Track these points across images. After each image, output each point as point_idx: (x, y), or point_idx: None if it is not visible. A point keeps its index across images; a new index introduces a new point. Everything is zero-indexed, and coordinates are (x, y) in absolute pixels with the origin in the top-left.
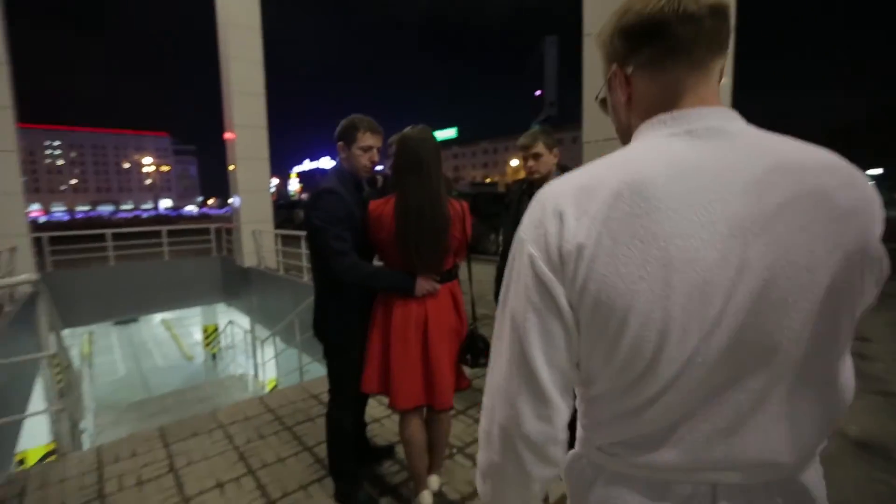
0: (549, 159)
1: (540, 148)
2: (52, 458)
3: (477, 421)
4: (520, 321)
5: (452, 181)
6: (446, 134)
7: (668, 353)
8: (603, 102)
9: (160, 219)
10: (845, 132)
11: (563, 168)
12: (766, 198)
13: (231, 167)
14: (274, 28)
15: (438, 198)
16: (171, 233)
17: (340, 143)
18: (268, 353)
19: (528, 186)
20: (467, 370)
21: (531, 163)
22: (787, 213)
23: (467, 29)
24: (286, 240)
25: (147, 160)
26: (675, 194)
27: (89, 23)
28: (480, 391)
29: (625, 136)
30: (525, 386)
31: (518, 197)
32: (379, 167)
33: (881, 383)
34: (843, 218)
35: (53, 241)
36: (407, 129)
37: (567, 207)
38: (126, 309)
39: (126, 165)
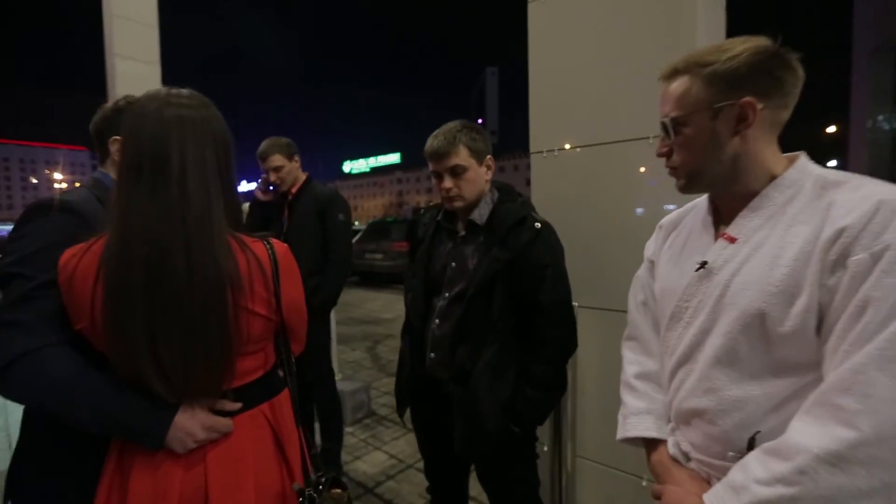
0: (479, 175)
1: (463, 157)
2: None
3: None
4: None
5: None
6: (390, 159)
7: None
8: (675, 122)
9: None
10: None
11: (502, 189)
12: None
13: None
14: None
15: (204, 232)
16: None
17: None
18: None
19: (446, 218)
20: None
21: (448, 183)
22: None
23: (410, 54)
24: None
25: (59, 175)
26: None
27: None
28: None
29: (721, 164)
30: None
31: (432, 232)
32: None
33: None
34: None
35: None
36: (148, 93)
37: None
38: None
39: (34, 181)
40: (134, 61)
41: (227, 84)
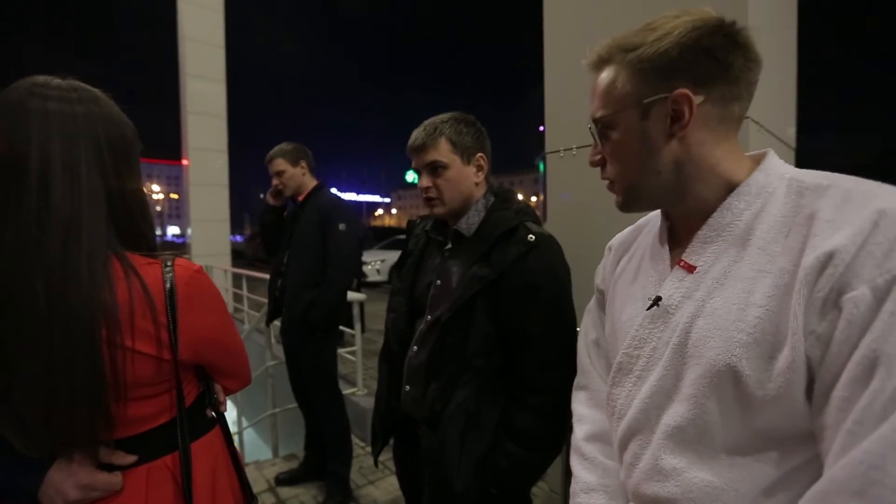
0: (463, 175)
1: (443, 153)
2: None
3: None
4: None
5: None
6: None
7: None
8: (601, 124)
9: (165, 245)
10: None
11: (499, 194)
12: None
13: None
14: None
15: (69, 253)
16: None
17: None
18: None
19: (436, 228)
20: None
21: (426, 181)
22: None
23: (463, 60)
24: (240, 277)
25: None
26: None
27: (99, 52)
28: None
29: (660, 175)
30: None
31: (422, 244)
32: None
33: None
34: None
35: None
36: (14, 83)
37: None
38: None
39: None
40: (204, 80)
41: (285, 95)
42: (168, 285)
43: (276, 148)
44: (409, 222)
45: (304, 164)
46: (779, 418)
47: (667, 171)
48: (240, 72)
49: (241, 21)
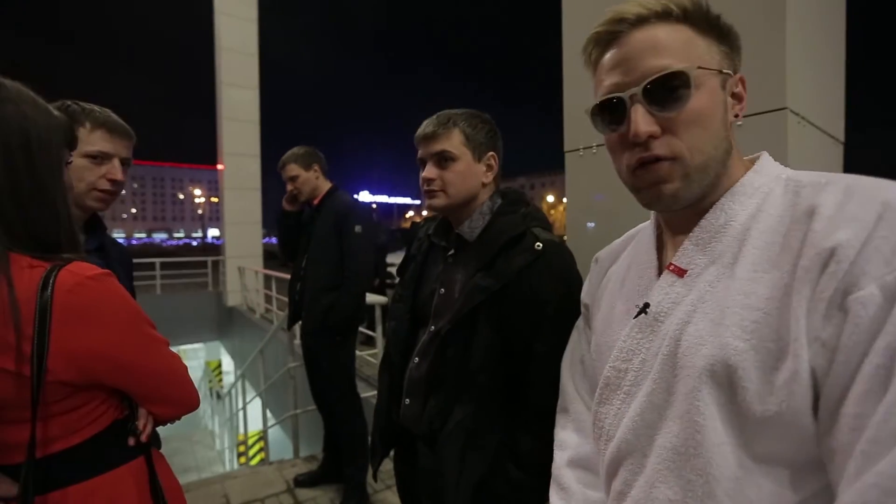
0: (472, 171)
1: (455, 143)
2: None
3: None
4: None
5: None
6: None
7: None
8: (682, 83)
9: (206, 247)
10: None
11: (507, 196)
12: None
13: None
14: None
15: None
16: (167, 265)
17: None
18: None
19: (438, 231)
20: None
21: (430, 172)
22: None
23: (500, 62)
24: (269, 278)
25: (198, 192)
26: None
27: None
28: None
29: (720, 160)
30: None
31: (425, 249)
32: None
33: None
34: None
35: None
36: None
37: None
38: None
39: (181, 196)
40: (238, 87)
41: (315, 104)
42: (44, 295)
43: (288, 153)
44: (413, 224)
45: (316, 167)
46: (783, 442)
47: (723, 157)
48: (273, 78)
49: (272, 29)
